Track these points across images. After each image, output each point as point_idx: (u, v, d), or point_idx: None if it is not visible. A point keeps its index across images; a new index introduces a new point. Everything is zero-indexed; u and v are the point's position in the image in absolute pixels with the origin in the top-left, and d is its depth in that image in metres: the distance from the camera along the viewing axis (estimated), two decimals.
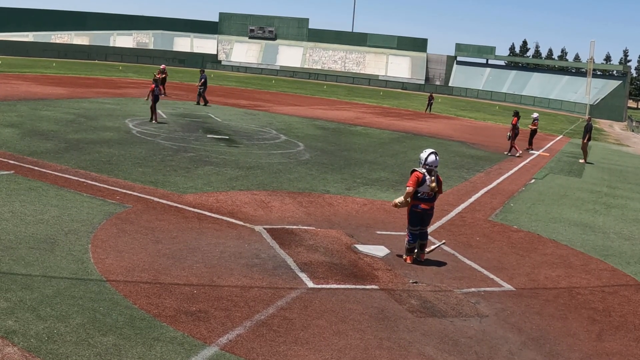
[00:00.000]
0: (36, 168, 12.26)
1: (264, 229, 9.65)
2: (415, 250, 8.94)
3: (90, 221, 9.04)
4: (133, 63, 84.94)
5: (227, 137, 19.75)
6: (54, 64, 61.48)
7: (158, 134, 18.78)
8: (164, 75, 33.93)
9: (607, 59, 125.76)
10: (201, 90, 30.43)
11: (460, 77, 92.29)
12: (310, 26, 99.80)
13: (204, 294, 6.85)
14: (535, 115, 26.97)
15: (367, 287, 7.67)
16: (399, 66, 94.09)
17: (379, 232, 10.26)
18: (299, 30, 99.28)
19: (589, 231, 12.29)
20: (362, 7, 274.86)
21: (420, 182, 8.72)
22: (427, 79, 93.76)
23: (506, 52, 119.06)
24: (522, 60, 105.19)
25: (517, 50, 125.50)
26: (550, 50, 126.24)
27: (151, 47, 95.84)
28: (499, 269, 9.02)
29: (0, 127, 16.98)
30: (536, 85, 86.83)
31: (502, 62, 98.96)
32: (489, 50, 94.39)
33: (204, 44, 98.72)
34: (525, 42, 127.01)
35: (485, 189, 15.64)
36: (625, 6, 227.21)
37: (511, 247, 10.41)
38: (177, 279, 7.22)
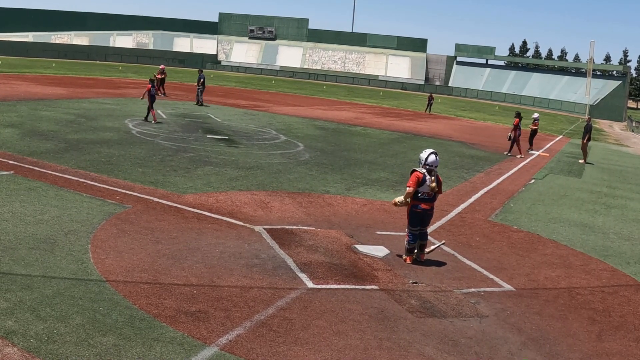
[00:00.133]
0: (36, 168, 12.26)
1: (264, 229, 9.65)
2: (415, 251, 8.94)
3: (90, 221, 9.04)
4: (133, 63, 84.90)
5: (226, 138, 19.75)
6: (53, 64, 61.47)
7: (158, 134, 18.78)
8: (163, 76, 34.00)
9: (607, 59, 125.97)
10: (199, 91, 30.45)
11: (460, 78, 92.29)
12: (310, 26, 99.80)
13: (204, 294, 6.85)
14: (535, 115, 26.96)
15: (367, 287, 7.67)
16: (398, 66, 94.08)
17: (378, 233, 10.26)
18: (299, 30, 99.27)
19: (588, 231, 12.30)
20: (362, 7, 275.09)
21: (421, 182, 8.72)
22: (426, 79, 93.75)
23: (506, 53, 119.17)
24: (521, 60, 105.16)
25: (517, 50, 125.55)
26: (550, 51, 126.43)
27: (151, 47, 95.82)
28: (499, 269, 9.02)
29: (0, 127, 16.98)
30: (536, 85, 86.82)
31: (501, 63, 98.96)
32: (489, 51, 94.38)
33: (204, 44, 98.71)
34: (525, 42, 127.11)
35: (485, 189, 15.65)
36: (625, 6, 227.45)
37: (511, 247, 10.41)
38: (177, 279, 7.22)
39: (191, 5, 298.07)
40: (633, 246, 11.52)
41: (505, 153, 23.91)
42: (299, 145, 19.77)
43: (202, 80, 30.52)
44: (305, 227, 9.99)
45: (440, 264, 8.94)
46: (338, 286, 7.57)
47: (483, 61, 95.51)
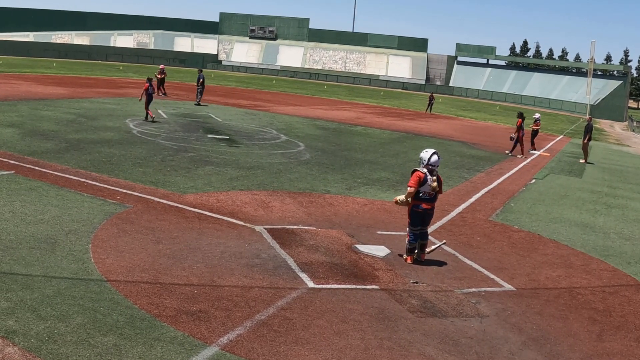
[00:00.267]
0: (36, 168, 12.27)
1: (265, 229, 9.65)
2: (416, 251, 8.94)
3: (91, 221, 9.04)
4: (134, 63, 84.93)
5: (227, 137, 19.75)
6: (54, 64, 61.50)
7: (158, 134, 18.79)
8: (163, 76, 34.02)
9: (608, 59, 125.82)
10: (199, 90, 30.47)
11: (460, 77, 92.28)
12: (311, 26, 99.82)
13: (205, 294, 6.85)
14: (537, 115, 26.95)
15: (368, 287, 7.67)
16: (399, 66, 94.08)
17: (379, 232, 10.26)
18: (300, 30, 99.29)
19: (589, 231, 12.29)
20: (363, 7, 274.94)
21: (422, 182, 8.73)
22: (427, 79, 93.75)
23: (507, 52, 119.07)
24: (522, 60, 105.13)
25: (518, 50, 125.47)
26: (550, 50, 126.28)
27: (152, 47, 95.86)
28: (500, 269, 9.02)
29: (0, 127, 16.99)
30: (537, 85, 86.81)
31: (502, 62, 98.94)
32: (490, 50, 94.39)
33: (205, 44, 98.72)
34: (525, 42, 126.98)
35: (486, 189, 15.64)
36: (625, 6, 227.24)
37: (512, 247, 10.41)
38: (178, 279, 7.22)
39: (192, 5, 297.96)
40: (634, 246, 11.52)
41: (507, 152, 23.90)
42: (300, 145, 19.77)
43: (201, 80, 30.53)
44: (306, 227, 9.99)
45: (441, 263, 8.94)
46: (339, 286, 7.57)
47: (484, 61, 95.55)
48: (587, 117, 29.35)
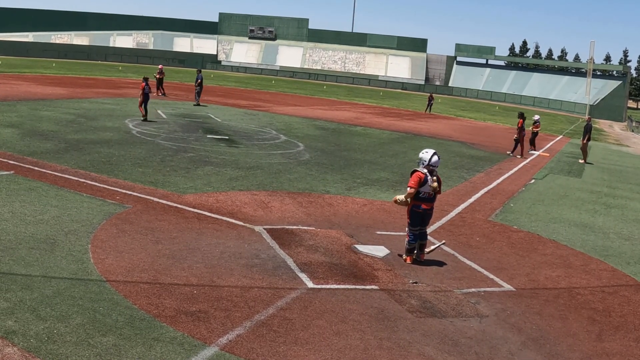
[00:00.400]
0: (36, 168, 12.26)
1: (264, 229, 9.65)
2: (415, 251, 8.95)
3: (90, 221, 9.04)
4: (133, 63, 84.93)
5: (227, 138, 19.75)
6: (53, 64, 61.48)
7: (158, 134, 18.78)
8: (161, 76, 34.01)
9: (607, 59, 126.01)
10: (197, 91, 30.47)
11: (460, 78, 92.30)
12: (310, 26, 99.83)
13: (204, 294, 6.85)
14: (536, 117, 26.94)
15: (367, 287, 7.67)
16: (398, 66, 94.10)
17: (378, 233, 10.26)
18: (299, 30, 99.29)
19: (588, 231, 12.29)
20: (362, 7, 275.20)
21: (422, 182, 8.73)
22: (427, 79, 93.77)
23: (506, 53, 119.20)
24: (522, 60, 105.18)
25: (517, 50, 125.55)
26: (550, 51, 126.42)
27: (151, 47, 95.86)
28: (499, 269, 9.02)
29: (0, 127, 16.98)
30: (536, 85, 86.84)
31: (502, 63, 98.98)
32: (489, 51, 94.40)
33: (204, 44, 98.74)
34: (525, 42, 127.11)
35: (485, 189, 15.65)
36: (625, 6, 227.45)
37: (511, 247, 10.41)
38: (177, 279, 7.22)
39: (191, 5, 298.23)
40: (633, 246, 11.52)
41: (508, 153, 23.90)
42: (299, 145, 19.77)
43: (199, 80, 30.54)
44: (305, 227, 9.99)
45: (440, 264, 8.94)
46: (338, 286, 7.57)
47: (483, 61, 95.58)
48: (587, 117, 29.36)
